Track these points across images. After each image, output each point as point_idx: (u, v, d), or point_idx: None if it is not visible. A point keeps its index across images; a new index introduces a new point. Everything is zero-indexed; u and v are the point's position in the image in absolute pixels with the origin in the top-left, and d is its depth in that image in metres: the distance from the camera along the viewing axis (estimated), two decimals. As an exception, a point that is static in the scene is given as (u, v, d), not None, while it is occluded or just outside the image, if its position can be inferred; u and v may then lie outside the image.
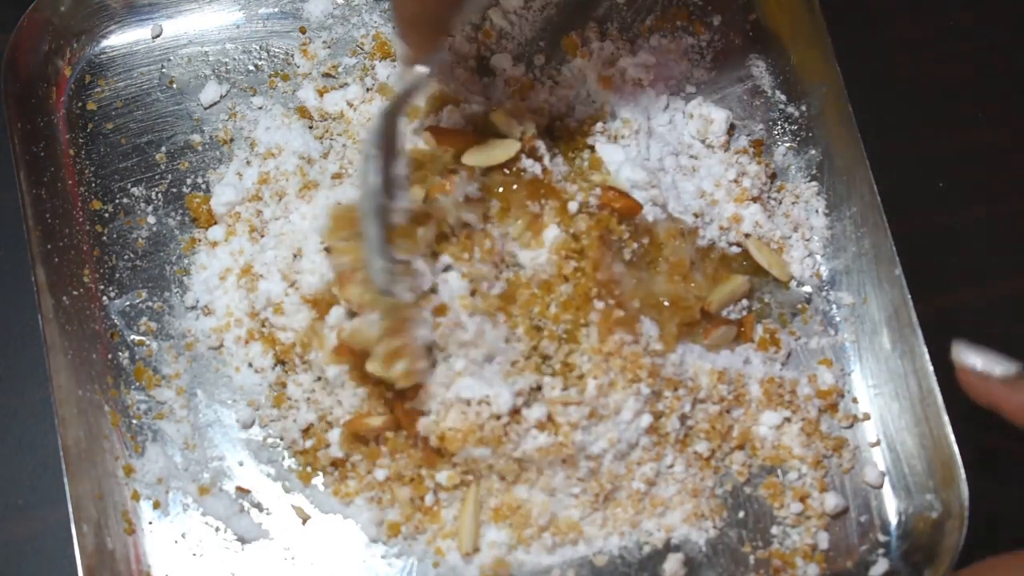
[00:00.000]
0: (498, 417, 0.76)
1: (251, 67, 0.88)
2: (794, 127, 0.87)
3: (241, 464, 0.80)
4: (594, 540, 0.78)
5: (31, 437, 0.80)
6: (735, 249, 0.84)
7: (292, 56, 0.88)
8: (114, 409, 0.80)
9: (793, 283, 0.84)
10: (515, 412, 0.76)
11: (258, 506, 0.79)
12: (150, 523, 0.79)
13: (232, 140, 0.86)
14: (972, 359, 0.77)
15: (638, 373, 0.77)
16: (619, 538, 0.78)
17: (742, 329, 0.82)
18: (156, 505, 0.79)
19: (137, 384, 0.81)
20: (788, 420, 0.81)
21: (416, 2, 0.71)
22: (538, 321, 0.78)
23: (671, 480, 0.79)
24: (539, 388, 0.77)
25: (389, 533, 0.78)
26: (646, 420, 0.77)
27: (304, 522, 0.79)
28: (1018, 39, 0.91)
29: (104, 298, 0.83)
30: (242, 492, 0.79)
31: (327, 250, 0.78)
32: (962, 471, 0.76)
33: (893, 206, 0.82)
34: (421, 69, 0.74)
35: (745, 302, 0.83)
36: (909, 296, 0.80)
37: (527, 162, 0.80)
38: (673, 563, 0.78)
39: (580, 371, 0.77)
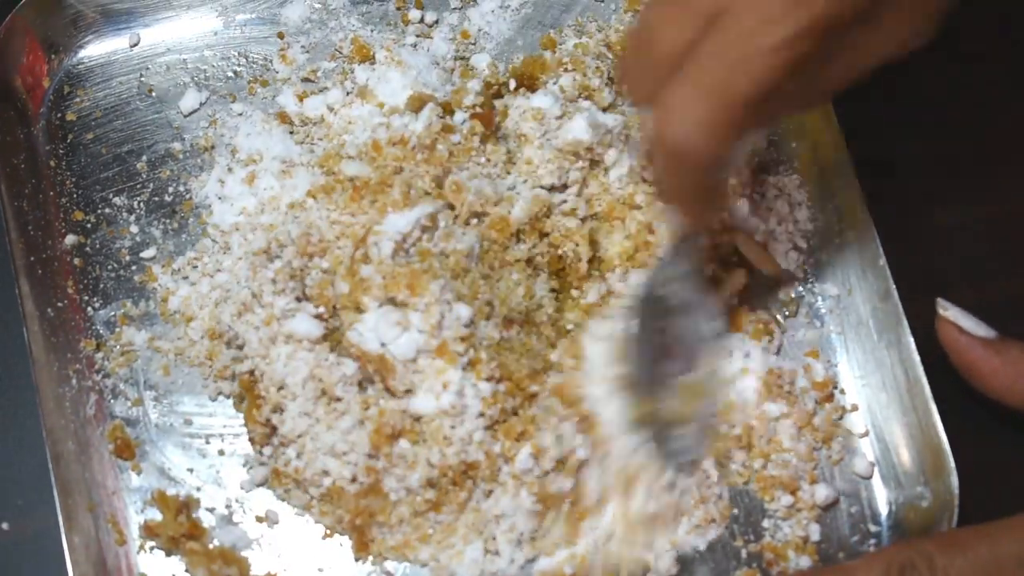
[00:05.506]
0: None
1: (230, 73, 0.88)
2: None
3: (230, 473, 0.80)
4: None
5: (31, 438, 0.79)
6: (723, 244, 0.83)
7: (271, 62, 0.88)
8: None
9: (779, 276, 0.84)
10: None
11: (248, 515, 0.79)
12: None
13: (213, 147, 0.86)
14: (956, 315, 0.78)
15: None
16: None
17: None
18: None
19: (124, 394, 0.81)
20: (785, 414, 0.80)
21: (685, 173, 0.67)
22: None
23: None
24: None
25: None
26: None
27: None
28: (1018, 39, 0.91)
29: (88, 309, 0.82)
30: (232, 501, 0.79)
31: None
32: (951, 460, 0.76)
33: (892, 206, 0.82)
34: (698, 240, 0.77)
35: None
36: (894, 286, 0.80)
37: None
38: (666, 560, 0.78)
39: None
